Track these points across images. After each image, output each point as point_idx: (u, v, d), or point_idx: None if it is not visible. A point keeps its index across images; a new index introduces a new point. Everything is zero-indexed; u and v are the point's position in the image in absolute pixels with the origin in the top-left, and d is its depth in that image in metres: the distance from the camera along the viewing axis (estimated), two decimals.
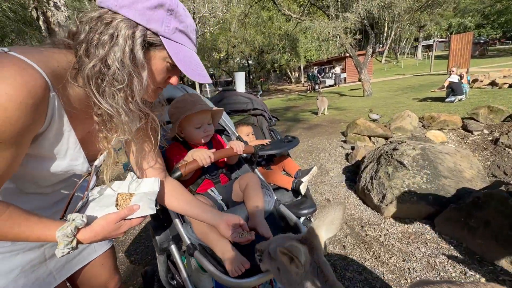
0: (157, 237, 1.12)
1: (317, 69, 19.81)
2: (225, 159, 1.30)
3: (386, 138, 4.23)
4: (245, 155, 1.39)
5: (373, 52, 12.42)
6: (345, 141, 4.64)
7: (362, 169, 2.84)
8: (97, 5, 0.59)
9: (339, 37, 10.60)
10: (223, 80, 30.00)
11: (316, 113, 7.95)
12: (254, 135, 2.08)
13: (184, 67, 0.62)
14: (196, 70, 0.65)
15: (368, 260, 1.85)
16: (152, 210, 0.74)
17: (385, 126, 4.56)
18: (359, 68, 10.52)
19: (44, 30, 4.59)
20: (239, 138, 1.49)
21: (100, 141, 0.69)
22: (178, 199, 0.91)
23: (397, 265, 1.76)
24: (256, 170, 1.40)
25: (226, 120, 1.53)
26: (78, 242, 0.64)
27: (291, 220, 1.14)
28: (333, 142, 4.81)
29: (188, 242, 1.00)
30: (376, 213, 2.40)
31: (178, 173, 1.02)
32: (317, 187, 3.11)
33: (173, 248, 1.12)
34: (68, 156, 0.65)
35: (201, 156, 1.03)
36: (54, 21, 4.60)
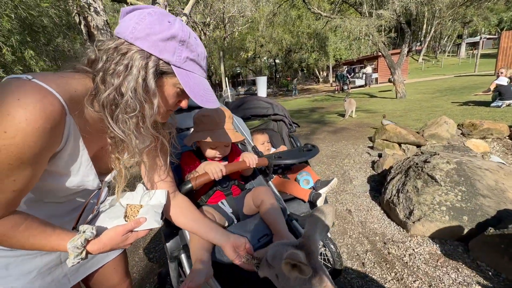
0: (167, 245, 1.14)
1: (346, 69, 19.06)
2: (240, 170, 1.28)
3: (419, 146, 3.92)
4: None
5: (409, 51, 11.55)
6: (372, 147, 4.39)
7: (388, 180, 2.66)
8: (115, 35, 0.63)
9: (372, 36, 10.03)
10: (250, 79, 30.14)
11: (343, 116, 7.65)
12: (270, 143, 2.04)
13: (193, 93, 0.65)
14: (205, 96, 0.67)
15: (389, 281, 1.72)
16: (158, 224, 0.76)
17: (417, 132, 4.23)
18: (392, 68, 9.90)
19: (85, 34, 4.97)
20: (254, 148, 1.47)
21: (112, 162, 0.74)
22: (185, 215, 0.92)
23: None
24: (270, 182, 1.36)
25: (242, 129, 1.51)
26: (87, 253, 0.69)
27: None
28: (359, 147, 4.59)
29: None
30: (401, 229, 2.23)
31: (189, 185, 1.02)
32: (339, 196, 2.98)
33: (183, 257, 1.12)
34: (80, 172, 0.69)
35: (213, 169, 1.03)
36: (93, 25, 4.96)
